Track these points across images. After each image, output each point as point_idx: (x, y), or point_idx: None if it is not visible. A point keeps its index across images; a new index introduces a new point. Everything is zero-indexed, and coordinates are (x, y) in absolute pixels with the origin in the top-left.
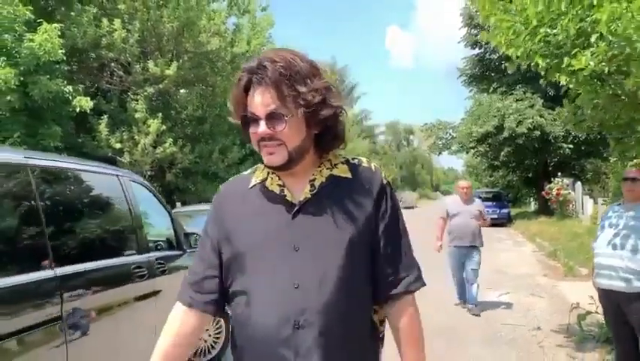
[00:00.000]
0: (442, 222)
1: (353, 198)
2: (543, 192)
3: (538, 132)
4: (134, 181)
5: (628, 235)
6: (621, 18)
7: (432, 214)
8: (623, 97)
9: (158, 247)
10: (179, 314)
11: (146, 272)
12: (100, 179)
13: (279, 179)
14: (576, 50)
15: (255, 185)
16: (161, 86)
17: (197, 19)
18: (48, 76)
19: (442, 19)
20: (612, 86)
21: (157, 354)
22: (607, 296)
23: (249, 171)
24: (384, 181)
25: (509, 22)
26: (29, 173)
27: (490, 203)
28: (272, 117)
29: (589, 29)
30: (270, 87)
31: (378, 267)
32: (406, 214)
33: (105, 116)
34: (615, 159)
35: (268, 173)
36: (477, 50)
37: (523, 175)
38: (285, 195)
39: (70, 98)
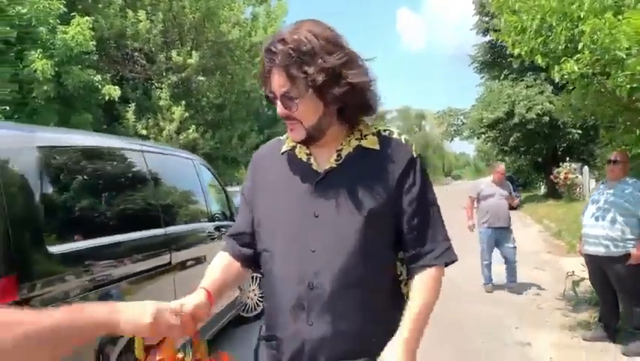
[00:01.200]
0: (470, 201)
1: (378, 170)
2: (551, 176)
3: (547, 118)
4: (202, 165)
5: (608, 209)
6: (600, 31)
7: (444, 199)
8: (606, 93)
9: (218, 218)
10: (221, 260)
11: (215, 235)
12: (183, 162)
13: (307, 148)
14: (564, 58)
15: (285, 151)
16: (183, 74)
17: (218, 10)
18: (79, 66)
19: (453, 1)
20: (596, 84)
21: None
22: (592, 261)
23: (285, 135)
24: (414, 155)
25: (516, 22)
26: (144, 157)
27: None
28: (285, 98)
29: (577, 38)
30: (280, 69)
31: (404, 239)
32: None
33: (132, 104)
34: (606, 143)
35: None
36: (488, 37)
37: (533, 160)
38: (312, 164)
39: (99, 87)
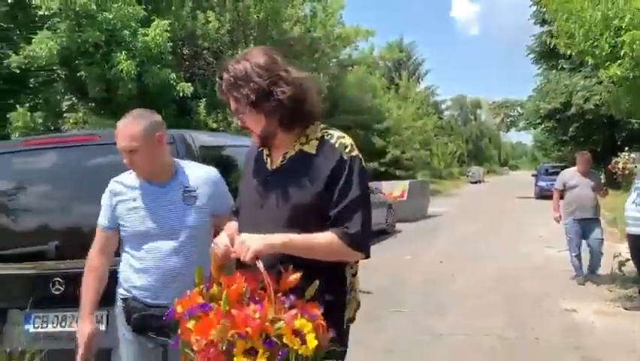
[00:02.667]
0: (556, 194)
1: (311, 170)
2: (609, 166)
3: (605, 108)
4: None
5: None
6: (639, 41)
7: (501, 189)
8: None
9: None
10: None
11: None
12: None
13: (268, 150)
14: (608, 62)
15: (260, 149)
16: None
17: (281, 8)
18: (158, 65)
19: None
20: (637, 84)
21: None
22: (633, 240)
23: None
24: (345, 157)
25: (567, 28)
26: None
27: (557, 176)
28: (236, 114)
29: (618, 46)
30: (228, 93)
31: (330, 218)
32: (474, 188)
33: (204, 100)
34: None
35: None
36: (546, 28)
37: (592, 150)
38: (267, 163)
39: (174, 84)
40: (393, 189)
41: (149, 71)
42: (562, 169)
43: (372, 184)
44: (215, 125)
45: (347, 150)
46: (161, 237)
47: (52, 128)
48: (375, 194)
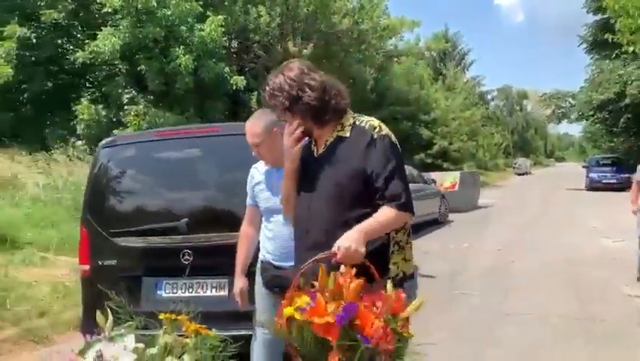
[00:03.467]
0: (636, 186)
1: (348, 152)
2: None
3: None
4: None
5: None
6: None
7: (549, 181)
8: None
9: None
10: None
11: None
12: None
13: (315, 140)
14: None
15: (309, 141)
16: None
17: (330, 1)
18: (213, 60)
19: None
20: None
21: None
22: None
23: None
24: (374, 136)
25: (630, 24)
26: None
27: (609, 168)
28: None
29: None
30: (269, 102)
31: (375, 190)
32: (521, 180)
33: (256, 92)
34: None
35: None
36: (600, 16)
37: None
38: (313, 151)
39: (228, 77)
40: (444, 180)
41: (205, 65)
42: (613, 161)
43: (426, 175)
44: None
45: (376, 130)
46: (281, 212)
47: (114, 120)
48: (430, 184)
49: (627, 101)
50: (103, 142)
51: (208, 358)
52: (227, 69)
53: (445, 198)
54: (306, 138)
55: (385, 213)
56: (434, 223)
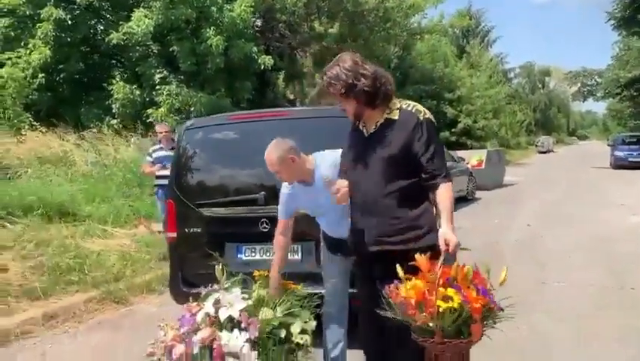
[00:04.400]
0: None
1: (396, 132)
2: None
3: None
4: None
5: None
6: None
7: (572, 159)
8: None
9: None
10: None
11: None
12: None
13: (364, 122)
14: None
15: (357, 124)
16: (324, 43)
17: None
18: (243, 40)
19: None
20: None
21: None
22: None
23: None
24: (420, 119)
25: None
26: None
27: (635, 146)
28: (338, 102)
29: None
30: (327, 89)
31: (422, 168)
32: (544, 158)
33: (282, 72)
34: None
35: None
36: None
37: None
38: (363, 131)
39: (256, 57)
40: (471, 158)
41: (234, 46)
42: (638, 139)
43: (455, 153)
44: (292, 97)
45: (421, 114)
46: (318, 213)
47: (147, 99)
48: (458, 162)
49: None
50: (185, 125)
51: (296, 308)
52: (255, 49)
53: (473, 176)
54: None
55: (445, 191)
56: (462, 200)
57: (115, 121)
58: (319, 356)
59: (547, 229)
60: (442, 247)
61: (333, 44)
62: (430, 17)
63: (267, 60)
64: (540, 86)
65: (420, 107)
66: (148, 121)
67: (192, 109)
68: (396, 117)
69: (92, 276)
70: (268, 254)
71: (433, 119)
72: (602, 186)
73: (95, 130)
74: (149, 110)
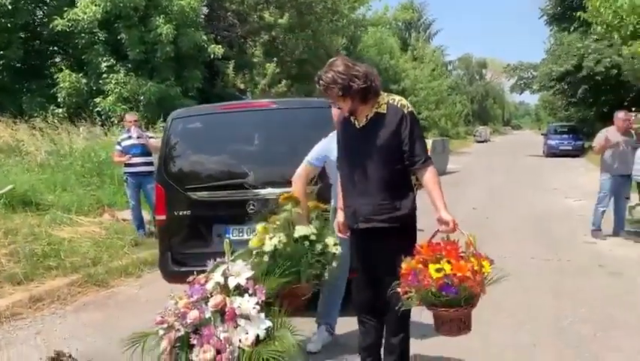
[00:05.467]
0: (605, 142)
1: (385, 124)
2: None
3: (615, 71)
4: None
5: None
6: None
7: (509, 148)
8: None
9: None
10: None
11: None
12: None
13: (355, 117)
14: (632, 41)
15: (348, 116)
16: (273, 33)
17: None
18: (193, 29)
19: None
20: None
21: None
22: None
23: None
24: (406, 112)
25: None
26: None
27: (565, 136)
28: (334, 102)
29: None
30: (324, 92)
31: (405, 155)
32: (482, 147)
33: (232, 61)
34: None
35: None
36: None
37: (599, 111)
38: (355, 123)
39: (205, 46)
40: None
41: (184, 34)
42: (569, 128)
43: None
44: (242, 86)
45: (405, 108)
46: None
47: (94, 88)
48: None
49: (584, 73)
50: (173, 114)
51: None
52: (204, 38)
53: None
54: (340, 116)
55: (432, 175)
56: None
57: (60, 110)
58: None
59: (490, 212)
60: (442, 228)
61: (282, 34)
62: (375, 10)
63: (216, 49)
64: (477, 77)
65: (404, 101)
66: (96, 110)
67: (142, 98)
68: (385, 111)
69: (69, 261)
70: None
71: (414, 111)
72: (537, 172)
73: (39, 119)
74: (97, 100)
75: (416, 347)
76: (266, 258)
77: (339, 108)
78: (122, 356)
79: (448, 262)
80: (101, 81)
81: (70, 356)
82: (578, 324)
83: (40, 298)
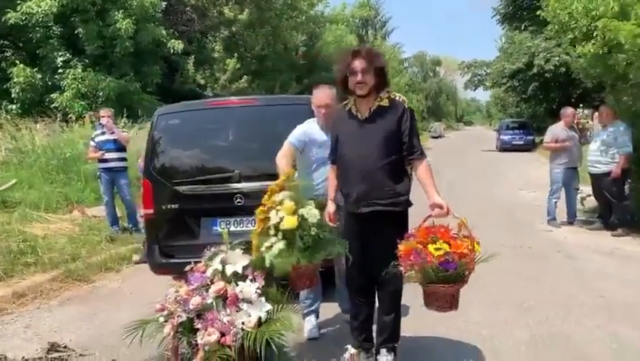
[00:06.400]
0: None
1: (388, 116)
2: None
3: (564, 69)
4: None
5: (602, 143)
6: (608, 27)
7: (463, 143)
8: (610, 66)
9: None
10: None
11: None
12: None
13: (356, 107)
14: (584, 41)
15: (348, 109)
16: (233, 28)
17: None
18: (152, 24)
19: None
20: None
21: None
22: (593, 178)
23: (344, 102)
24: (405, 107)
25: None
26: None
27: (517, 131)
28: (364, 72)
29: (593, 29)
30: (363, 59)
31: (404, 146)
32: (437, 143)
33: (192, 57)
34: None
35: (352, 103)
36: None
37: (549, 107)
38: (358, 115)
39: (165, 41)
40: None
41: (143, 29)
42: (520, 124)
43: None
44: (203, 82)
45: (406, 104)
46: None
47: (50, 83)
48: None
49: (535, 70)
50: (159, 110)
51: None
52: (164, 32)
53: None
54: (338, 111)
55: (425, 166)
56: None
57: (14, 106)
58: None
59: (451, 203)
60: (436, 212)
61: (242, 30)
62: (333, 7)
63: (176, 44)
64: (432, 75)
65: (404, 97)
66: (53, 106)
67: (100, 94)
68: (387, 104)
69: (48, 257)
70: (242, 225)
71: (412, 108)
72: (492, 166)
73: None
74: (53, 95)
75: (406, 326)
76: (272, 231)
77: (360, 82)
78: (120, 343)
79: (445, 242)
80: (57, 76)
81: (65, 346)
82: (543, 303)
83: (23, 294)
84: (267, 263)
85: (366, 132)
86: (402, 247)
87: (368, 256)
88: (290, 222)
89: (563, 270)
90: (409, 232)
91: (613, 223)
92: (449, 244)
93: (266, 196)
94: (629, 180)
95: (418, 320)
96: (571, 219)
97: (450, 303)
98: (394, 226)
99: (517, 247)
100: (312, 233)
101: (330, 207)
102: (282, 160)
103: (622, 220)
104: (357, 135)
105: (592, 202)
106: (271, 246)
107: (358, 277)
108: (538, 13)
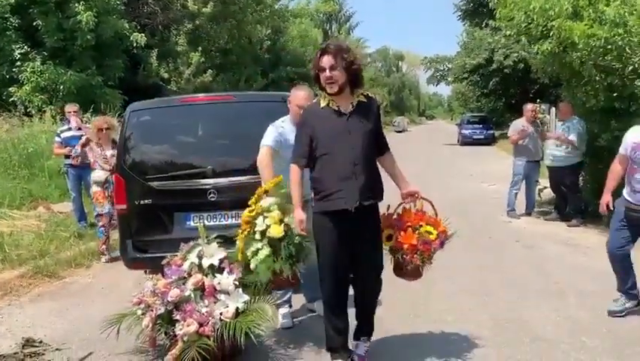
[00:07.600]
0: (521, 133)
1: (368, 112)
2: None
3: (522, 65)
4: None
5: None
6: (563, 27)
7: (425, 137)
8: (565, 63)
9: None
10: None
11: None
12: None
13: (335, 102)
14: (541, 39)
15: (324, 106)
16: (197, 21)
17: None
18: (114, 16)
19: None
20: (560, 57)
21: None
22: (550, 171)
23: (316, 100)
24: (378, 104)
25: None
26: None
27: (477, 125)
28: (332, 69)
29: (549, 28)
30: (330, 56)
31: (377, 142)
32: (401, 137)
33: (155, 50)
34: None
35: (329, 99)
36: None
37: (508, 101)
38: (340, 110)
39: (127, 34)
40: None
41: (105, 22)
42: (481, 119)
43: None
44: (166, 76)
45: (377, 101)
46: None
47: (8, 77)
48: None
49: (494, 66)
50: (131, 107)
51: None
52: (126, 25)
53: None
54: (308, 109)
55: (393, 159)
56: None
57: None
58: None
59: None
60: (409, 199)
61: (206, 24)
62: (298, 1)
63: (139, 38)
64: (395, 69)
65: (376, 95)
66: (11, 100)
67: (61, 87)
68: (365, 100)
69: (15, 254)
70: (215, 220)
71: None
72: (454, 160)
73: None
74: (11, 89)
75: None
76: (258, 237)
77: (330, 78)
78: (97, 337)
79: (429, 225)
80: (15, 69)
81: (40, 341)
82: (503, 289)
83: None
84: (252, 267)
85: (354, 125)
86: (403, 239)
87: (356, 258)
88: (276, 230)
89: (521, 258)
90: (392, 220)
91: (568, 214)
92: (432, 226)
93: (253, 199)
94: (582, 174)
95: (386, 306)
96: (529, 210)
97: (421, 273)
98: (377, 218)
99: (475, 238)
100: (296, 241)
101: (301, 214)
102: (266, 171)
103: (576, 211)
104: (344, 129)
105: (548, 194)
106: (257, 251)
107: (339, 289)
108: (493, 15)
